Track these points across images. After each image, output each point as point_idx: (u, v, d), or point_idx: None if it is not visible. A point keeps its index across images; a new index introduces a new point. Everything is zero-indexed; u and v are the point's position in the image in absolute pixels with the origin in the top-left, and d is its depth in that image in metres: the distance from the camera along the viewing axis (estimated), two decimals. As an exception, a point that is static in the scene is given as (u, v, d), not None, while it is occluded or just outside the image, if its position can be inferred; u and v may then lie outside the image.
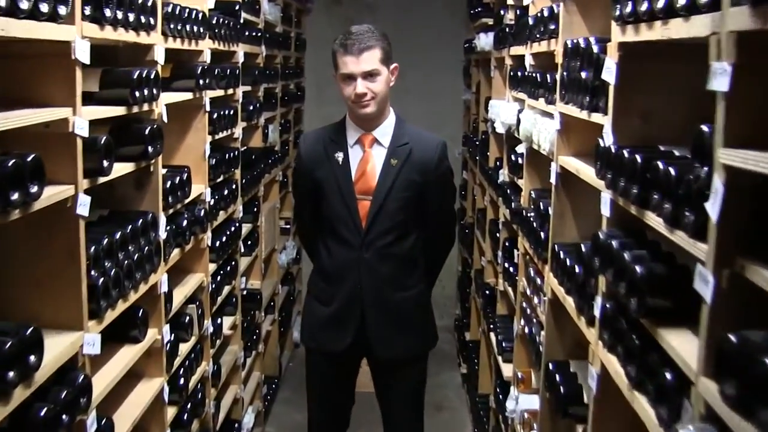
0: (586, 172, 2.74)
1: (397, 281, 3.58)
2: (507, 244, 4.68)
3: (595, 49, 2.50)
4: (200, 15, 3.61)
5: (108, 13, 2.52)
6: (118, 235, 2.75)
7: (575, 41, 2.82)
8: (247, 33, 5.00)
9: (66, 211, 2.38)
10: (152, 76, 2.99)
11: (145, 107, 3.00)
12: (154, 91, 3.03)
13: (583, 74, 2.68)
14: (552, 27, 3.22)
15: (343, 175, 3.51)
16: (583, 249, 2.65)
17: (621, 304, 2.24)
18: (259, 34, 5.37)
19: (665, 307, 2.02)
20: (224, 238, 4.39)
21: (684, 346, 1.88)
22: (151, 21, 2.96)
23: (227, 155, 4.40)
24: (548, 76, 3.34)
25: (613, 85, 2.35)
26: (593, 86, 2.56)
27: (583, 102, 2.66)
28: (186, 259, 3.90)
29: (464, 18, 7.69)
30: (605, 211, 2.41)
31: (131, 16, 2.75)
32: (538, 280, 3.59)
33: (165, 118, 3.18)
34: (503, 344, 4.56)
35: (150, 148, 2.99)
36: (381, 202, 3.48)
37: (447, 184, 3.69)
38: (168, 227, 3.37)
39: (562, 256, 3.04)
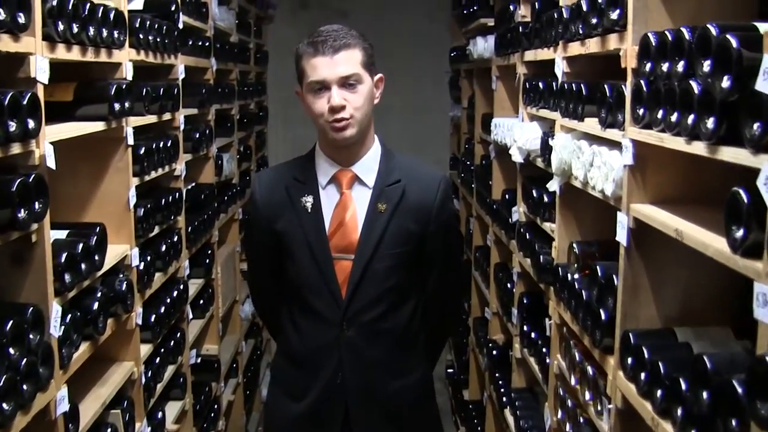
0: (702, 239, 1.74)
1: (391, 366, 2.66)
2: (525, 301, 3.69)
3: (734, 42, 1.51)
4: (112, 14, 2.58)
5: None
6: (-40, 359, 1.73)
7: (673, 32, 1.83)
8: (190, 42, 3.98)
9: None
10: (25, 102, 1.97)
11: (15, 149, 1.97)
12: (31, 123, 2.01)
13: (695, 85, 1.70)
14: (614, 17, 2.23)
15: (314, 227, 2.55)
16: (708, 365, 1.66)
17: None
18: (208, 43, 4.34)
19: None
20: (163, 309, 3.36)
21: None
22: (20, 19, 1.94)
23: (164, 199, 3.38)
24: (606, 87, 2.34)
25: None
26: (725, 102, 1.57)
27: (700, 128, 1.66)
28: (107, 348, 2.89)
29: (448, 22, 6.80)
30: (769, 316, 1.41)
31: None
32: (590, 370, 2.60)
33: (51, 163, 2.16)
34: (528, 434, 3.56)
35: (23, 211, 1.97)
36: (366, 262, 2.54)
37: (451, 233, 2.78)
38: (68, 316, 2.35)
39: (645, 354, 2.06)
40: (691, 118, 1.72)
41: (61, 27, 2.20)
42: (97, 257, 2.54)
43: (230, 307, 5.25)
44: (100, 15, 2.47)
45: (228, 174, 4.99)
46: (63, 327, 2.29)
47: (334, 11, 7.05)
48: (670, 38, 1.85)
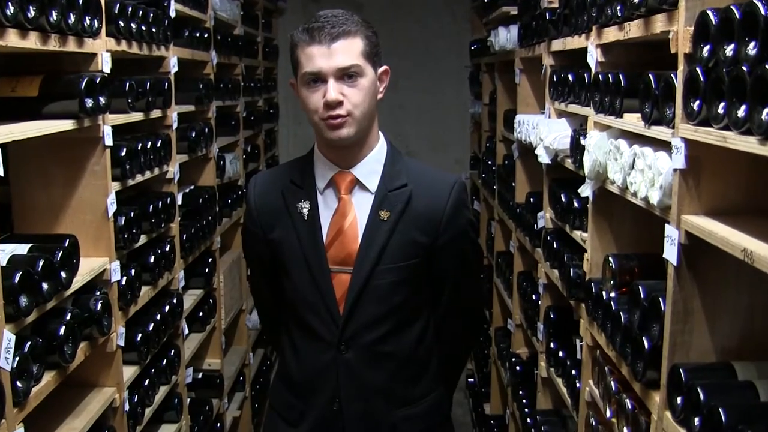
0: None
1: (394, 394, 2.33)
2: (552, 315, 3.35)
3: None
4: (81, -2, 2.27)
5: None
6: None
7: (741, 7, 1.49)
8: (187, 33, 3.67)
9: None
10: (-41, 97, 1.66)
11: (-52, 153, 1.66)
12: (-31, 123, 1.69)
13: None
14: (662, -7, 1.89)
15: (310, 236, 2.24)
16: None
17: None
18: (207, 35, 4.02)
19: None
20: (152, 326, 3.05)
21: None
22: (-49, -3, 1.63)
23: (152, 205, 3.06)
24: (650, 77, 2.00)
25: None
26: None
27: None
28: (83, 373, 2.59)
29: (468, 14, 6.47)
30: None
31: None
32: (628, 403, 2.26)
33: (-2, 170, 1.84)
34: (556, 462, 3.22)
35: (-43, 227, 1.66)
36: (366, 275, 2.22)
37: (467, 245, 2.38)
38: (27, 345, 2.04)
39: (701, 395, 1.72)
40: (765, 113, 1.38)
41: (10, 10, 1.88)
42: (64, 274, 2.23)
43: (236, 316, 4.93)
44: (64, -2, 2.15)
45: (232, 175, 4.66)
46: (18, 358, 1.98)
47: (348, 4, 6.73)
48: (737, 15, 1.50)
